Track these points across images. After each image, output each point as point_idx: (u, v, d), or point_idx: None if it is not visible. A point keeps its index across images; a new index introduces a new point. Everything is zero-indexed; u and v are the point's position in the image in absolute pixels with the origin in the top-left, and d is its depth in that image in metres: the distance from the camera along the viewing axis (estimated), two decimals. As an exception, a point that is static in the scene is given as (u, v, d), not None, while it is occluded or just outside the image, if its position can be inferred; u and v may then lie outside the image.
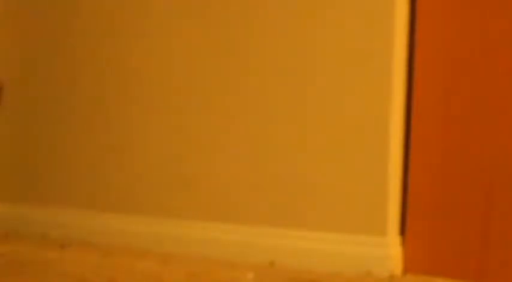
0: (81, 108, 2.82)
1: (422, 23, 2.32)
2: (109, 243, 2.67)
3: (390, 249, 2.33)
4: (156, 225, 2.63)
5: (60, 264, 2.33)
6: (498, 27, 2.27)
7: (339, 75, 2.35)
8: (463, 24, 2.30)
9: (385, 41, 2.31)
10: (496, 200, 2.28)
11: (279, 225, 2.42)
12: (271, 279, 2.30)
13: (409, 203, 2.35)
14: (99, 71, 2.77)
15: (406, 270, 2.35)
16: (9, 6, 2.97)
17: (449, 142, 2.31)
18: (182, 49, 2.58)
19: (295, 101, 2.40)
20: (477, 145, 2.29)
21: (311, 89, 2.38)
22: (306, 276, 2.30)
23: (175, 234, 2.57)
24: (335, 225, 2.36)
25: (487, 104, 2.29)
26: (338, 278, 2.30)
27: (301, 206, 2.40)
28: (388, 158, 2.32)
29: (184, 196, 2.60)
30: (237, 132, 2.47)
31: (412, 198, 2.34)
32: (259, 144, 2.44)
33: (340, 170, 2.36)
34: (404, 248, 2.35)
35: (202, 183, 2.56)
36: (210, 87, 2.50)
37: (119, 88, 2.74)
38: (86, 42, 2.80)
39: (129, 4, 2.70)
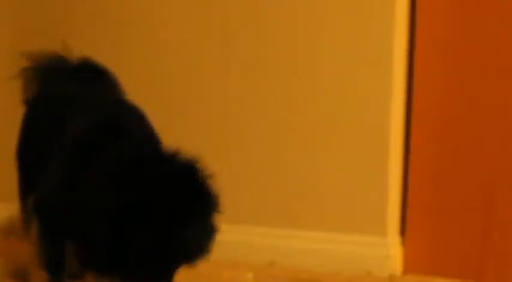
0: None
1: (422, 23, 2.32)
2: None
3: (390, 249, 2.33)
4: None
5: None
6: (498, 27, 2.27)
7: (338, 75, 2.35)
8: (463, 24, 2.30)
9: (385, 41, 2.31)
10: (496, 200, 2.28)
11: (279, 225, 2.42)
12: (271, 279, 2.30)
13: (409, 203, 2.35)
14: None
15: (406, 270, 2.35)
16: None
17: (449, 142, 2.32)
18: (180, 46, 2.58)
19: (295, 101, 2.40)
20: (477, 145, 2.29)
21: (310, 89, 2.38)
22: (306, 276, 2.31)
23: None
24: (335, 225, 2.36)
25: (487, 104, 2.29)
26: (338, 278, 2.31)
27: (302, 206, 2.39)
28: (388, 158, 2.32)
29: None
30: (235, 132, 2.47)
31: (412, 198, 2.35)
32: (258, 144, 2.44)
33: (340, 170, 2.36)
34: (404, 248, 2.36)
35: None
36: (207, 86, 2.50)
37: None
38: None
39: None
